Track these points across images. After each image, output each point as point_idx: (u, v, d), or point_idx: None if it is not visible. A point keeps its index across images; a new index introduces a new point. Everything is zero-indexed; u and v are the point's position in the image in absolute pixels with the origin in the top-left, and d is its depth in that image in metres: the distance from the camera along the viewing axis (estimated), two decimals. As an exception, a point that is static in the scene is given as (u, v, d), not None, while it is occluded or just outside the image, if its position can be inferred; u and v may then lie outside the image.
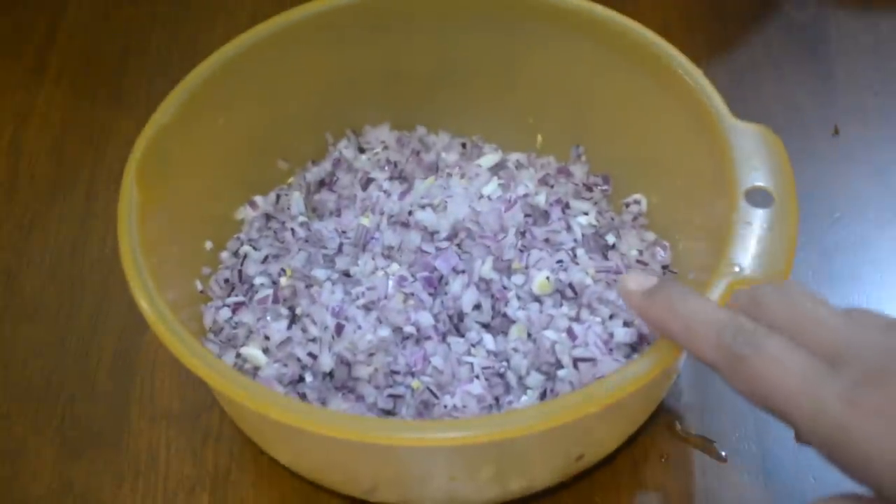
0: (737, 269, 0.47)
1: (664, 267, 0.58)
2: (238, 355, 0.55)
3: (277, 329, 0.55)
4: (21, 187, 0.69)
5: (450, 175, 0.60)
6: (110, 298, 0.63)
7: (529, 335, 0.55)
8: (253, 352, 0.54)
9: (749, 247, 0.48)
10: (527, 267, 0.56)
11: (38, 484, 0.56)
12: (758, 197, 0.50)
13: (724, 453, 0.56)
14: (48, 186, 0.69)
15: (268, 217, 0.61)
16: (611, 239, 0.59)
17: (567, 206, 0.59)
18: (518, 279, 0.55)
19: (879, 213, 0.65)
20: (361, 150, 0.65)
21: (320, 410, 0.48)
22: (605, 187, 0.62)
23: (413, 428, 0.46)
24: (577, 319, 0.55)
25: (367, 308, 0.55)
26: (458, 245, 0.57)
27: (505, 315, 0.55)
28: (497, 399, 0.53)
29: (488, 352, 0.54)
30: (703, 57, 0.72)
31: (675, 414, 0.57)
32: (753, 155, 0.51)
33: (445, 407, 0.52)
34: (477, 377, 0.53)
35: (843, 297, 0.62)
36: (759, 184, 0.50)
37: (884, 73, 0.73)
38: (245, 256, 0.59)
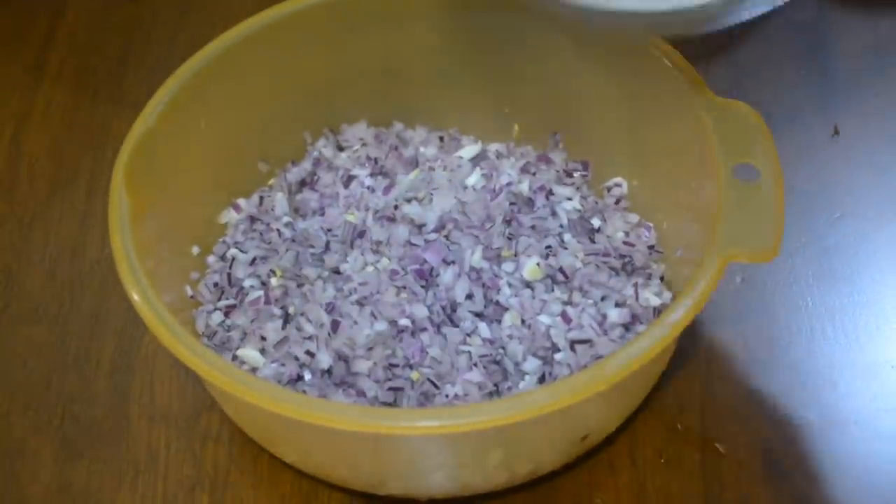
0: (730, 241, 0.48)
1: (650, 247, 0.59)
2: (234, 357, 0.55)
3: (273, 329, 0.55)
4: (21, 187, 0.69)
5: (432, 168, 0.61)
6: (110, 298, 0.63)
7: (523, 321, 0.55)
8: (250, 353, 0.54)
9: (740, 221, 0.49)
10: (516, 254, 0.56)
11: (38, 484, 0.56)
12: (743, 172, 0.51)
13: (724, 453, 0.56)
14: (48, 186, 0.69)
15: (252, 219, 0.61)
16: (596, 222, 0.59)
17: (550, 192, 0.60)
18: (508, 267, 0.56)
19: (879, 212, 0.65)
20: (340, 149, 0.65)
21: (332, 403, 0.48)
22: (584, 173, 0.63)
23: (429, 416, 0.46)
24: (569, 303, 0.55)
25: (361, 303, 0.55)
26: (447, 236, 0.57)
27: (497, 303, 0.55)
28: (497, 386, 0.54)
29: (484, 340, 0.54)
30: (702, 57, 0.72)
31: (675, 413, 0.57)
32: (735, 131, 0.52)
33: (447, 396, 0.53)
34: (475, 365, 0.54)
35: (843, 297, 0.62)
36: (745, 158, 0.51)
37: (884, 74, 0.73)
38: (233, 259, 0.59)
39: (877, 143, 0.69)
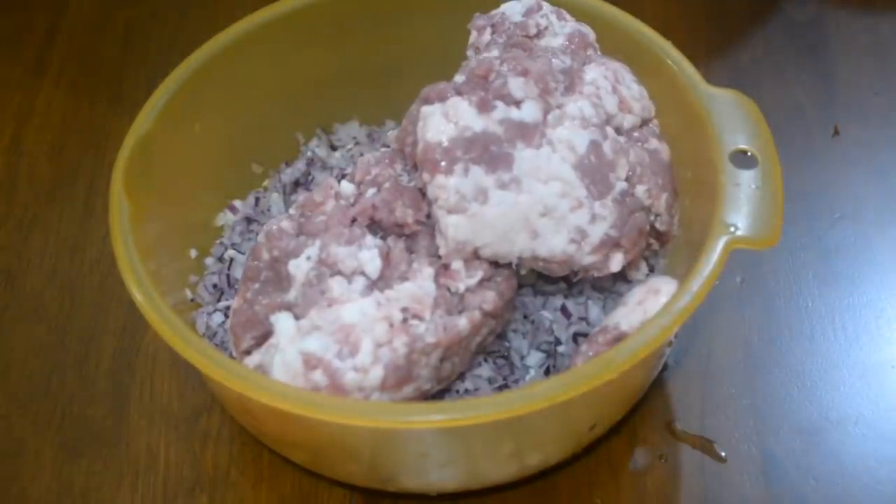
0: (732, 228, 0.49)
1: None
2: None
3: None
4: (21, 187, 0.69)
5: None
6: (110, 298, 0.63)
7: (526, 316, 0.56)
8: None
9: (741, 206, 0.49)
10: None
11: (38, 484, 0.56)
12: (741, 159, 0.51)
13: (723, 454, 0.56)
14: (48, 186, 0.69)
15: (248, 220, 0.62)
16: None
17: None
18: None
19: (879, 213, 0.65)
20: (333, 148, 0.66)
21: (343, 400, 0.47)
22: None
23: (446, 409, 0.46)
24: (570, 296, 0.56)
25: None
26: None
27: None
28: (505, 379, 0.54)
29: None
30: (702, 57, 0.72)
31: (675, 414, 0.57)
32: (731, 119, 0.53)
33: (458, 392, 0.53)
34: (485, 360, 0.54)
35: (843, 297, 0.61)
36: (742, 146, 0.51)
37: (884, 74, 0.73)
38: (231, 261, 0.59)
39: (877, 144, 0.69)
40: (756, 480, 0.55)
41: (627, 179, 0.51)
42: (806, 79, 0.73)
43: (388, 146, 0.56)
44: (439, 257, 0.50)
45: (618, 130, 0.52)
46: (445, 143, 0.49)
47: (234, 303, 0.52)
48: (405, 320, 0.48)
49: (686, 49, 0.56)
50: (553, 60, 0.51)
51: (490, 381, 0.53)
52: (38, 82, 0.75)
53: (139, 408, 0.58)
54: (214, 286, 0.59)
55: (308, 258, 0.50)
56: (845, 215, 0.65)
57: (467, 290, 0.50)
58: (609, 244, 0.50)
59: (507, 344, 0.55)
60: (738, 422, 0.57)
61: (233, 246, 0.60)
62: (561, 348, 0.54)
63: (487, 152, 0.49)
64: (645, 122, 0.54)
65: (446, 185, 0.48)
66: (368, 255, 0.49)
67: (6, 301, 0.63)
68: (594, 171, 0.50)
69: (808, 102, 0.71)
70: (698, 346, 0.59)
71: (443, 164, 0.49)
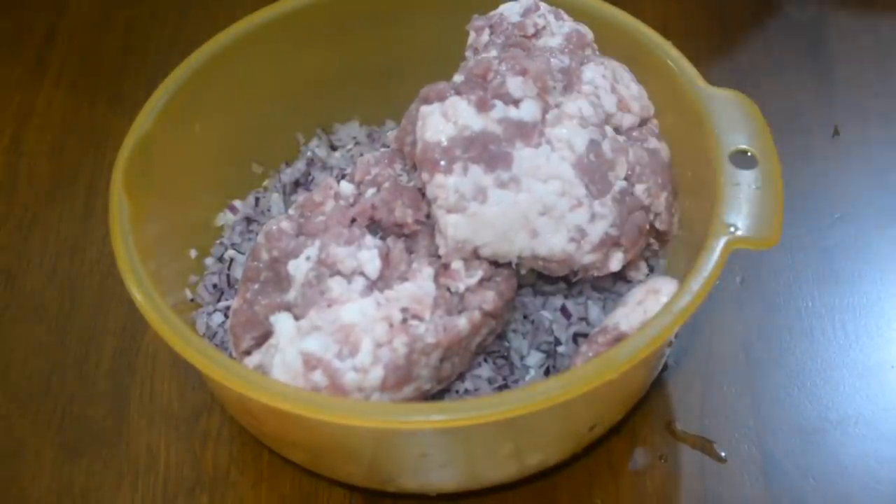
0: (732, 228, 0.49)
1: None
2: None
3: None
4: (21, 187, 0.69)
5: None
6: (110, 298, 0.63)
7: (526, 316, 0.56)
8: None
9: (741, 206, 0.49)
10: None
11: (38, 484, 0.56)
12: (741, 159, 0.51)
13: (723, 454, 0.56)
14: (48, 186, 0.69)
15: (248, 220, 0.62)
16: None
17: None
18: None
19: (879, 213, 0.65)
20: (333, 148, 0.66)
21: (342, 400, 0.47)
22: None
23: (446, 409, 0.46)
24: (570, 296, 0.56)
25: None
26: None
27: None
28: (505, 380, 0.54)
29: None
30: (703, 57, 0.72)
31: (675, 414, 0.57)
32: (732, 119, 0.53)
33: (457, 392, 0.53)
34: (485, 360, 0.54)
35: (843, 297, 0.61)
36: (742, 146, 0.51)
37: (884, 74, 0.73)
38: (231, 261, 0.60)
39: (877, 144, 0.69)
40: (756, 480, 0.55)
41: (627, 178, 0.51)
42: (806, 79, 0.73)
43: (388, 146, 0.56)
44: (439, 257, 0.50)
45: (617, 130, 0.52)
46: (444, 143, 0.49)
47: (234, 303, 0.52)
48: (405, 320, 0.48)
49: (686, 49, 0.56)
50: (551, 60, 0.51)
51: (490, 381, 0.53)
52: (38, 82, 0.75)
53: (139, 408, 0.58)
54: (214, 286, 0.59)
55: (307, 258, 0.50)
56: (845, 215, 0.65)
57: (467, 289, 0.50)
58: (609, 243, 0.50)
59: (507, 344, 0.55)
60: (738, 422, 0.57)
61: (233, 246, 0.60)
62: (561, 348, 0.55)
63: (486, 151, 0.49)
64: (644, 122, 0.54)
65: (445, 185, 0.48)
66: (368, 255, 0.49)
67: (6, 301, 0.63)
68: (593, 170, 0.50)
69: (808, 102, 0.71)
70: (698, 346, 0.60)
71: (442, 163, 0.49)
